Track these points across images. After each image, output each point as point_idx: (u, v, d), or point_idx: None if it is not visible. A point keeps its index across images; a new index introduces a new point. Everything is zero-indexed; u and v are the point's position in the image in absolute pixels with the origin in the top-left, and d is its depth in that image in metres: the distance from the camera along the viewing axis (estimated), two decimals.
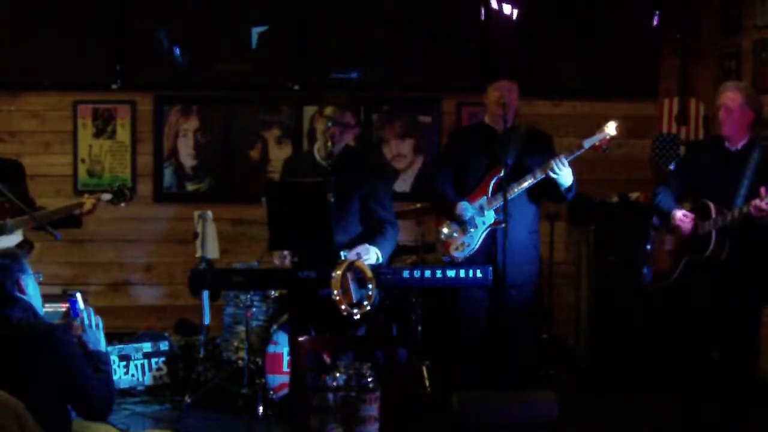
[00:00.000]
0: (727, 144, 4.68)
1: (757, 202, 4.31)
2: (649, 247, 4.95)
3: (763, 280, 4.65)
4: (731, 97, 4.60)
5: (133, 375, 5.87)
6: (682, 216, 4.68)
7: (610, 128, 4.90)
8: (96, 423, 3.45)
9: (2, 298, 3.32)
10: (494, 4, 6.68)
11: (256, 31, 6.69)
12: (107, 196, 5.16)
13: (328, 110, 4.51)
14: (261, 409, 5.31)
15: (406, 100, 6.77)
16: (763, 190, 4.30)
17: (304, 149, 6.54)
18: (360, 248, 4.29)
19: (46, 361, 3.20)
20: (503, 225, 4.76)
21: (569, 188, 4.96)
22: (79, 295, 3.60)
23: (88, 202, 5.05)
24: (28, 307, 3.35)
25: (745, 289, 4.61)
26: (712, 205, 4.56)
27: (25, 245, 4.97)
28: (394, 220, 4.63)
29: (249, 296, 5.60)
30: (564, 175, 4.88)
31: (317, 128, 4.74)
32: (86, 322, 3.51)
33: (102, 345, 3.52)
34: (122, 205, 5.22)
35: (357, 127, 4.65)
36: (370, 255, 4.30)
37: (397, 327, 4.74)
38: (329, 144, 4.44)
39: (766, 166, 4.55)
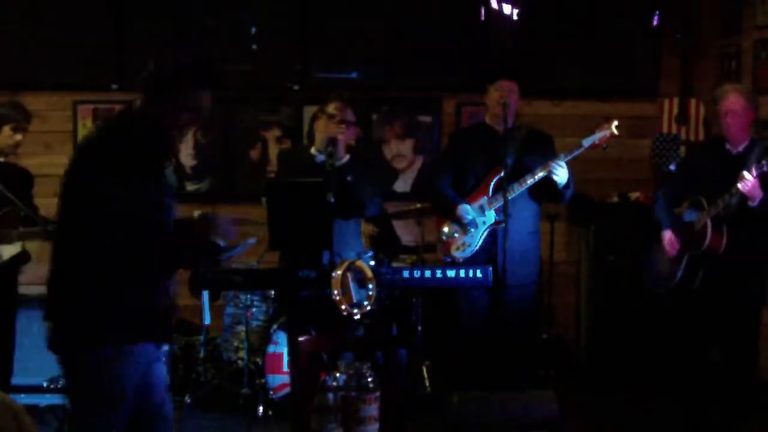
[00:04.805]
0: (728, 146, 4.68)
1: (744, 173, 4.35)
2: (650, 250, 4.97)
3: (762, 280, 4.66)
4: (736, 101, 4.60)
5: None
6: (667, 242, 4.78)
7: (612, 127, 4.91)
8: None
9: None
10: (494, 4, 6.67)
11: (256, 32, 6.69)
12: None
13: (331, 107, 4.52)
14: (261, 409, 5.31)
15: (406, 100, 6.76)
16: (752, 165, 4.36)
17: (302, 144, 6.52)
18: None
19: None
20: (503, 225, 4.76)
21: (566, 185, 4.95)
22: None
23: None
24: None
25: (744, 290, 4.62)
26: (704, 200, 4.61)
27: (23, 256, 4.94)
28: (377, 203, 4.65)
29: (249, 296, 5.60)
30: (561, 173, 4.88)
31: (317, 127, 4.74)
32: None
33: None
34: None
35: (356, 126, 4.67)
36: None
37: (397, 327, 4.73)
38: (330, 148, 4.45)
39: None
